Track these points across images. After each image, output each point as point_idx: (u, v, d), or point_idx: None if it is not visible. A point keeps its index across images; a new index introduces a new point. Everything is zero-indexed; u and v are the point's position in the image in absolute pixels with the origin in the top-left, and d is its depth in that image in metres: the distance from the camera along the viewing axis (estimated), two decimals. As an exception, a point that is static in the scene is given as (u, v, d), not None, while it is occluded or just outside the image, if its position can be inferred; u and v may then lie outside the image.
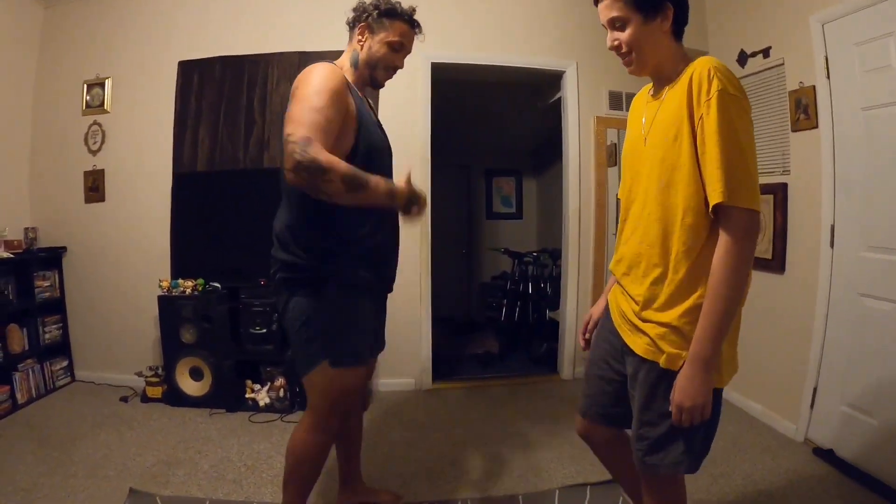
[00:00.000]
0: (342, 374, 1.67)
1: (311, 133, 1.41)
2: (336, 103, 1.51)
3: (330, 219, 1.60)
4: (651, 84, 1.44)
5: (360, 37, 1.71)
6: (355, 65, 1.73)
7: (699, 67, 1.20)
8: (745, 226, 1.16)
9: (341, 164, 1.41)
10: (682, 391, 1.21)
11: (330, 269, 1.62)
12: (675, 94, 1.26)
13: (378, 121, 1.85)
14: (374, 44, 1.70)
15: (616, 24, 1.29)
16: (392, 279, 1.90)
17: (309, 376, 1.69)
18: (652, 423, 1.33)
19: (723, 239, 1.17)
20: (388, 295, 1.94)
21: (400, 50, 1.73)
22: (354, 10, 1.74)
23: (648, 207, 1.33)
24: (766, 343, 3.03)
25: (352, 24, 1.74)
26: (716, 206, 1.17)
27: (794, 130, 2.85)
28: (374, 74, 1.74)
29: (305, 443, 1.75)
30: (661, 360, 1.27)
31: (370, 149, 1.66)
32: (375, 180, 1.47)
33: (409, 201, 1.53)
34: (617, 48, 1.32)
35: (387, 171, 1.78)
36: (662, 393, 1.29)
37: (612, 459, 1.68)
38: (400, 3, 1.73)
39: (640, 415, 1.36)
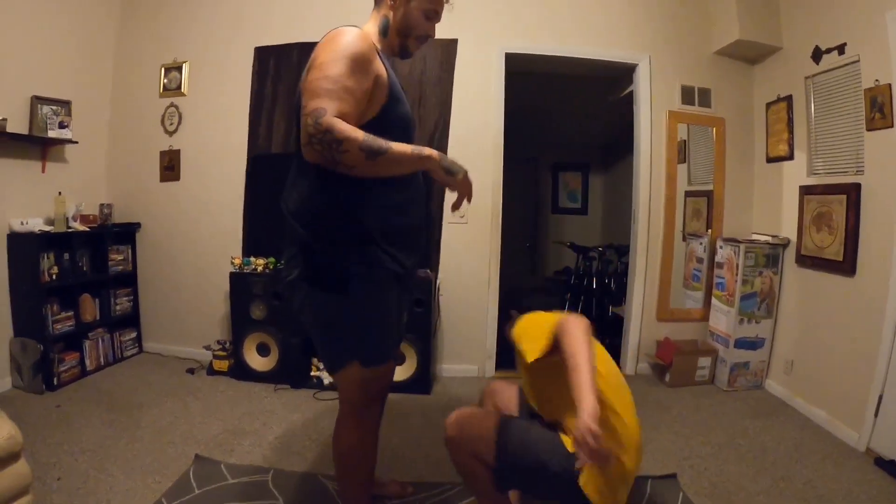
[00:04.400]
0: (374, 370, 1.68)
1: (326, 103, 1.36)
2: (359, 71, 1.43)
3: (359, 199, 1.54)
4: None
5: (391, 2, 1.64)
6: (384, 32, 1.66)
7: None
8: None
9: (357, 133, 1.36)
10: None
11: (355, 263, 1.56)
12: None
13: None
14: (410, 10, 1.63)
15: None
16: (418, 262, 1.83)
17: (340, 374, 1.69)
18: None
19: None
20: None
21: (433, 18, 1.69)
22: None
23: None
24: (832, 347, 3.10)
25: None
26: None
27: (868, 129, 2.88)
28: (405, 43, 1.69)
29: (350, 442, 1.74)
30: None
31: (399, 123, 1.60)
32: (397, 144, 1.43)
33: (448, 168, 1.51)
34: None
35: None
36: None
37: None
38: None
39: None
